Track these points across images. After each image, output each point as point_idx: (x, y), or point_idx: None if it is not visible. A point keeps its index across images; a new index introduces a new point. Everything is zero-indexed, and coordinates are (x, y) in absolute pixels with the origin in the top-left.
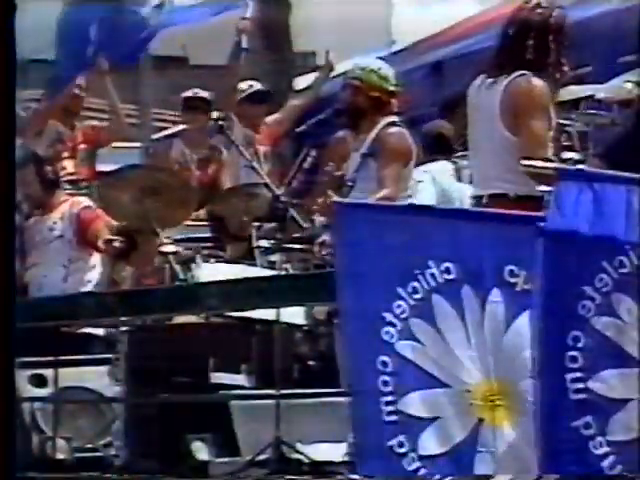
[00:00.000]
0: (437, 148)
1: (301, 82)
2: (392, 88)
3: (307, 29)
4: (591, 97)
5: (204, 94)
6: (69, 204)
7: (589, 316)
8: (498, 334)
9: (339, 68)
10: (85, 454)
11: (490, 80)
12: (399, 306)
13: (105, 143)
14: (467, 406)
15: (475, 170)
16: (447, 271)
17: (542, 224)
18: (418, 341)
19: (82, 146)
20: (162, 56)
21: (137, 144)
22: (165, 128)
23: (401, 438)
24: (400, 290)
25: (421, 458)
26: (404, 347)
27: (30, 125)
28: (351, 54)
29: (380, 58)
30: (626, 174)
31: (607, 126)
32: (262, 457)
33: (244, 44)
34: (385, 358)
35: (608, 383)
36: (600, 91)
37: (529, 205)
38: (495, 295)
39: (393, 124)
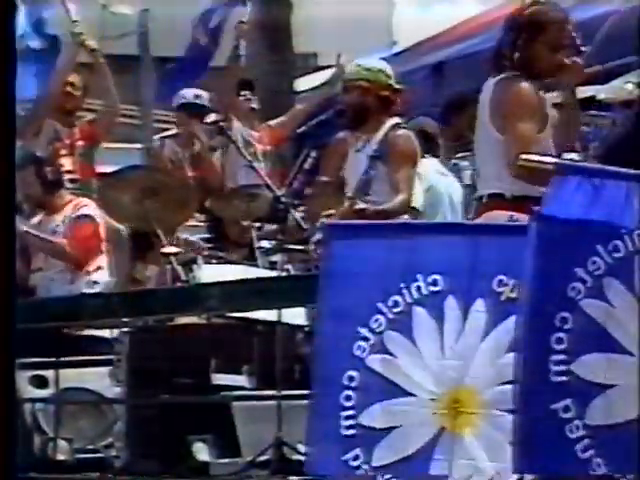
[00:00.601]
0: (421, 146)
1: (302, 83)
2: (398, 86)
3: (308, 30)
4: (592, 98)
5: (204, 100)
6: (72, 206)
7: (578, 298)
8: (476, 341)
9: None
10: (86, 455)
11: (486, 82)
12: (376, 320)
13: (102, 139)
14: (429, 415)
15: (478, 170)
16: (434, 283)
17: (537, 208)
18: (390, 354)
19: (80, 143)
20: (163, 57)
21: (138, 145)
22: (166, 129)
23: (357, 451)
24: (380, 305)
25: (375, 469)
26: (373, 361)
27: (28, 125)
28: (352, 55)
29: (381, 59)
30: (625, 170)
31: (608, 127)
32: (263, 458)
33: (242, 49)
34: (353, 373)
35: (592, 367)
36: (601, 92)
37: (525, 205)
38: (479, 305)
39: (399, 126)
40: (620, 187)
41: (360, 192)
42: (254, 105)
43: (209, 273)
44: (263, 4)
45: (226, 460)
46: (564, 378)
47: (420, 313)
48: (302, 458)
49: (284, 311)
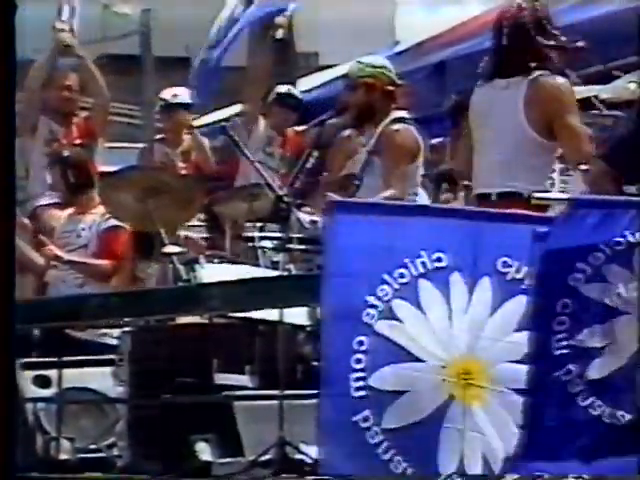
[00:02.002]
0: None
1: (304, 83)
2: (400, 82)
3: (310, 29)
4: (595, 97)
5: (183, 97)
6: (100, 213)
7: (578, 285)
8: (483, 317)
9: (342, 69)
10: (88, 454)
11: (503, 82)
12: (382, 290)
13: (99, 135)
14: (439, 382)
15: (482, 169)
16: (438, 260)
17: (538, 230)
18: (398, 320)
19: (78, 141)
20: (164, 57)
21: (139, 145)
22: None
23: (366, 413)
24: (386, 276)
25: (384, 431)
26: (383, 326)
27: (23, 121)
28: (355, 55)
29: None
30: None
31: (610, 127)
32: (266, 457)
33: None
34: (362, 338)
35: (590, 335)
36: (603, 92)
37: (540, 206)
38: (485, 282)
39: (399, 120)
40: (631, 214)
41: (352, 186)
42: (290, 118)
43: (211, 273)
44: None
45: (228, 460)
46: (565, 351)
47: (426, 285)
48: (304, 458)
49: (286, 311)
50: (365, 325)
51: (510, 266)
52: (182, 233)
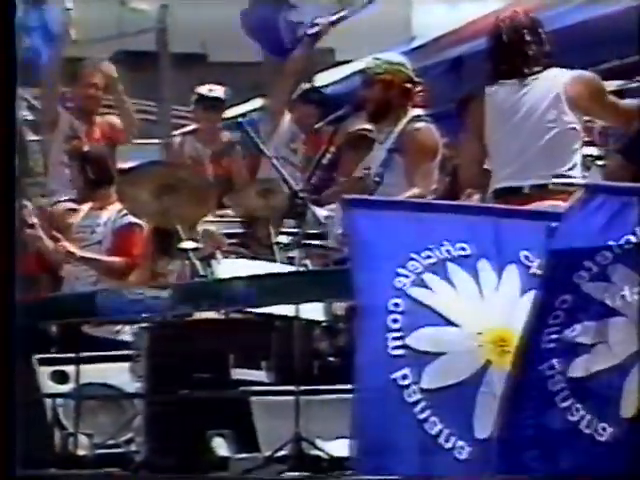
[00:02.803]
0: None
1: (320, 79)
2: (417, 79)
3: None
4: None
5: (218, 92)
6: (118, 208)
7: (581, 283)
8: (514, 297)
9: (358, 65)
10: (106, 450)
11: (526, 79)
12: (412, 265)
13: (123, 142)
14: (476, 347)
15: (510, 163)
16: (462, 249)
17: (553, 225)
18: (430, 289)
19: (101, 143)
20: (181, 53)
21: (156, 141)
22: (184, 125)
23: (405, 371)
24: (414, 255)
25: (422, 391)
26: (416, 292)
27: (43, 115)
28: (370, 51)
29: (400, 53)
30: None
31: None
32: (281, 453)
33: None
34: (397, 300)
35: (581, 331)
36: (622, 87)
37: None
38: (512, 269)
39: (419, 118)
40: None
41: (371, 183)
42: (314, 114)
43: (227, 268)
44: None
45: (245, 455)
46: (554, 345)
47: (454, 268)
48: (320, 454)
49: (302, 306)
50: (399, 290)
51: (532, 261)
52: (201, 228)
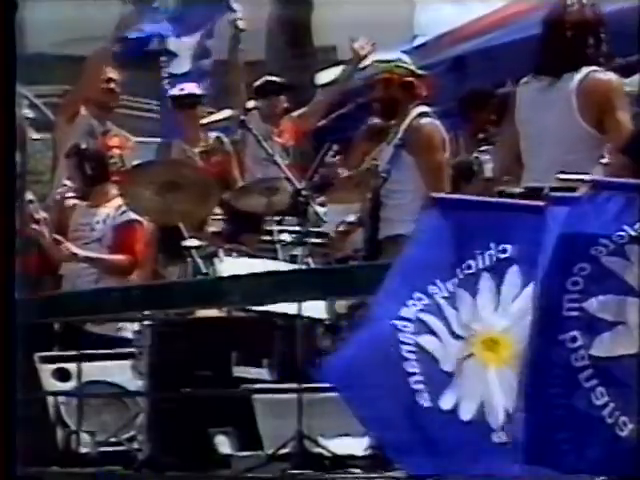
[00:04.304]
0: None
1: (323, 76)
2: (420, 72)
3: (328, 23)
4: None
5: (191, 89)
6: (116, 205)
7: (599, 256)
8: (526, 312)
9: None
10: (109, 448)
11: (552, 77)
12: (452, 282)
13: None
14: (463, 342)
15: (532, 163)
16: (503, 251)
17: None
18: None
19: (116, 151)
20: None
21: (159, 139)
22: None
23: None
24: (457, 270)
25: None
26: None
27: (63, 109)
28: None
29: (402, 52)
30: None
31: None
32: (284, 451)
33: (240, 44)
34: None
35: (603, 305)
36: (627, 85)
37: None
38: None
39: (425, 115)
40: None
41: (378, 180)
42: (282, 105)
43: (229, 266)
44: (284, 1)
45: (247, 453)
46: (575, 313)
47: (486, 276)
48: (323, 451)
49: (304, 304)
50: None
51: None
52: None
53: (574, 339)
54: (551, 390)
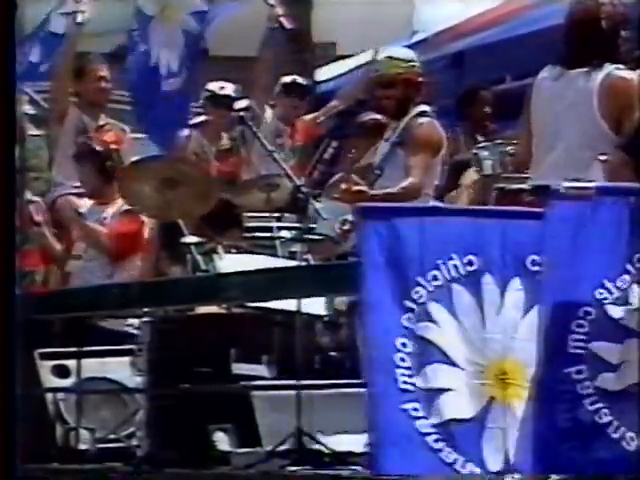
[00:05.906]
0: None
1: (321, 73)
2: (419, 70)
3: (327, 19)
4: None
5: (229, 90)
6: (121, 203)
7: (603, 302)
8: (517, 316)
9: (359, 60)
10: (108, 444)
11: (572, 73)
12: (417, 292)
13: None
14: (479, 386)
15: (545, 160)
16: (470, 263)
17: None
18: (434, 322)
19: (113, 147)
20: None
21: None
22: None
23: (415, 405)
24: (420, 279)
25: (432, 426)
26: (421, 328)
27: (50, 112)
28: (372, 45)
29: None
30: None
31: None
32: (283, 448)
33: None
34: (404, 340)
35: (608, 350)
36: None
37: None
38: (516, 284)
39: (423, 114)
40: None
41: (372, 175)
42: (302, 110)
43: (229, 263)
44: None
45: (246, 449)
46: (580, 351)
47: (459, 290)
48: (322, 448)
49: (303, 301)
50: (405, 329)
51: (539, 264)
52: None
53: (579, 372)
54: (558, 407)
